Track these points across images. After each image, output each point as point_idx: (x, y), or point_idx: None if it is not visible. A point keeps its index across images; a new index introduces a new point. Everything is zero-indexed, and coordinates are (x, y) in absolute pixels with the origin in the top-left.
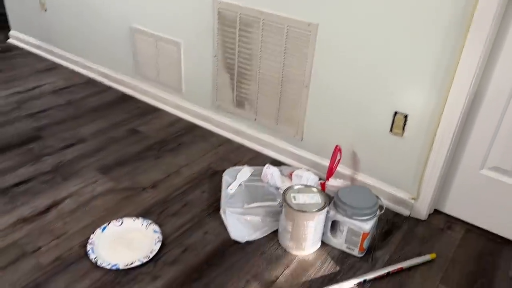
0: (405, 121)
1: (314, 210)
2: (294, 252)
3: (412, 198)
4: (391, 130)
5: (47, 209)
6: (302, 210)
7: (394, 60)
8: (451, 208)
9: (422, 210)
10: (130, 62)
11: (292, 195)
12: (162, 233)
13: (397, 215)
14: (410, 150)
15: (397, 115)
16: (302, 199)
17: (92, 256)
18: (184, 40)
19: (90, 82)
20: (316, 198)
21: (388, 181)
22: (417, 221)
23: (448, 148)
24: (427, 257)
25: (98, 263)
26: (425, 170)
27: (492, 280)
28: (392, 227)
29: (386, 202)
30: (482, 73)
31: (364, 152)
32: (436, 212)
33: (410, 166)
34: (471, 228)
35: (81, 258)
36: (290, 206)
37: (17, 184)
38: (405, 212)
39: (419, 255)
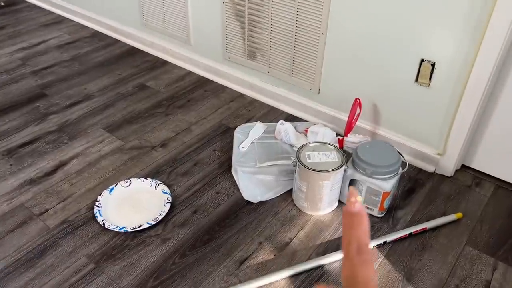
0: (433, 69)
1: (330, 169)
2: (309, 213)
3: (438, 154)
4: (416, 80)
5: (54, 171)
6: (317, 169)
7: (421, 0)
8: (480, 163)
9: (449, 166)
10: (137, 13)
11: (306, 153)
12: (172, 193)
13: (421, 171)
14: (437, 101)
15: (424, 63)
16: (317, 157)
17: (99, 219)
18: None
19: (96, 35)
20: (332, 156)
21: (412, 136)
22: (443, 177)
23: (480, 98)
24: (453, 216)
25: (106, 225)
26: (453, 123)
27: None
28: (415, 185)
29: (409, 158)
30: None
31: (386, 104)
32: (464, 168)
33: (437, 119)
34: (501, 185)
35: (89, 221)
36: (304, 166)
37: (22, 145)
38: (430, 168)
39: (444, 214)
